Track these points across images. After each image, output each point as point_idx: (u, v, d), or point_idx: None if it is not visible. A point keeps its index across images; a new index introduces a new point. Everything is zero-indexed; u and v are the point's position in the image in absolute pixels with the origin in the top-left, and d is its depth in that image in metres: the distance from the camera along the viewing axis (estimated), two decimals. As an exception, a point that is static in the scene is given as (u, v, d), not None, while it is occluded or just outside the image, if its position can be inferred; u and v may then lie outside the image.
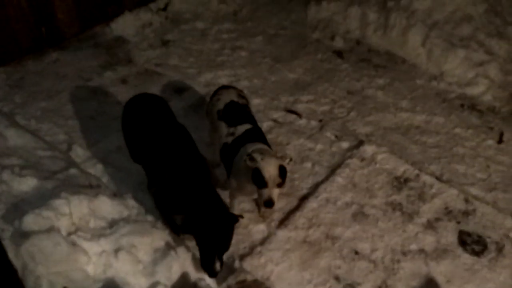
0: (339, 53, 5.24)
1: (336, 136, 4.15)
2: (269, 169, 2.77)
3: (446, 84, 4.83)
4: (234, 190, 3.24)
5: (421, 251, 3.27)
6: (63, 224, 2.64)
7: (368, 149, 3.98)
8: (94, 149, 3.87)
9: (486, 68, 4.82)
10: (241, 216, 2.80)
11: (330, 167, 3.87)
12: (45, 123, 4.08)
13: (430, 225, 3.44)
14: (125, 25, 5.33)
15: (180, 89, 4.58)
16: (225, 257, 2.76)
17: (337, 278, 3.09)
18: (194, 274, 2.82)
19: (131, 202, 3.07)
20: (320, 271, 3.12)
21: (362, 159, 3.91)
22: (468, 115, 4.48)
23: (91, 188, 3.08)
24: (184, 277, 2.78)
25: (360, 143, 4.06)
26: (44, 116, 4.17)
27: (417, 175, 3.79)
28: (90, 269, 2.57)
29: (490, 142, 4.19)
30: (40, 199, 2.78)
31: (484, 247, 3.32)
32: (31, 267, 2.40)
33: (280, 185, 2.81)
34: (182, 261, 2.80)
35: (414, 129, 4.30)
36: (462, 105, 4.60)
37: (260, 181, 2.77)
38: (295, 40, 5.42)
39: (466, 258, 3.24)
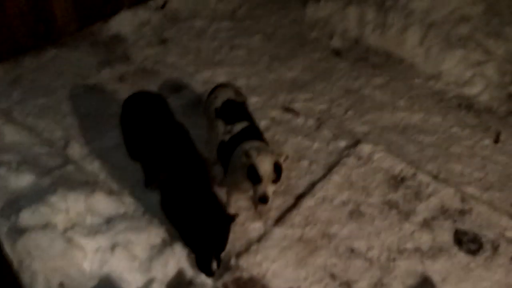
0: (337, 52, 5.25)
1: (333, 135, 4.16)
2: (264, 165, 2.77)
3: (443, 83, 4.83)
4: (230, 188, 3.24)
5: (417, 249, 3.28)
6: (60, 220, 2.65)
7: (365, 148, 3.99)
8: (91, 146, 3.87)
9: (484, 68, 4.83)
10: (237, 215, 2.81)
11: (327, 165, 3.87)
12: (43, 120, 4.07)
13: (426, 224, 3.44)
14: (123, 22, 5.32)
15: (177, 87, 4.58)
16: (221, 254, 2.77)
17: (333, 276, 3.10)
18: (190, 271, 2.83)
19: (128, 199, 3.09)
20: (316, 269, 3.13)
21: (359, 158, 3.92)
22: (465, 115, 4.49)
23: (87, 184, 3.09)
24: (180, 273, 2.79)
25: (357, 142, 4.07)
26: (42, 113, 4.17)
27: (414, 174, 3.80)
28: (86, 265, 2.59)
29: (487, 141, 4.20)
30: (37, 195, 2.79)
31: (480, 246, 3.32)
32: (27, 262, 2.41)
33: (275, 181, 2.81)
34: (178, 258, 2.81)
35: (411, 128, 4.31)
36: (459, 105, 4.61)
37: (254, 177, 2.78)
38: (293, 39, 5.42)
39: (462, 256, 3.25)
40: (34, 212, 2.60)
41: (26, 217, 2.58)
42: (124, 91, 4.39)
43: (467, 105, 4.61)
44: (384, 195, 3.63)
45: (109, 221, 2.81)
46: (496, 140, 4.22)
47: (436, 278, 3.12)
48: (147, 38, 5.26)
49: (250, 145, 2.97)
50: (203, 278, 2.80)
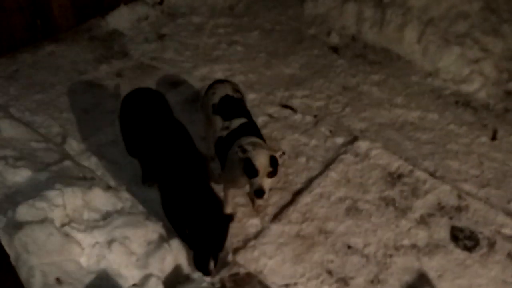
0: (335, 49, 5.25)
1: (330, 132, 4.16)
2: (260, 158, 2.78)
3: (441, 81, 4.84)
4: (227, 183, 3.25)
5: (414, 246, 3.29)
6: (57, 215, 2.64)
7: (362, 145, 3.99)
8: (89, 142, 3.87)
9: (481, 65, 4.84)
10: (235, 214, 2.80)
11: (324, 162, 3.88)
12: (40, 116, 4.07)
13: (422, 221, 3.45)
14: (120, 18, 5.31)
15: (175, 83, 4.58)
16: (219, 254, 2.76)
17: (329, 272, 3.11)
18: (187, 267, 2.84)
19: (125, 195, 3.08)
20: (313, 265, 3.14)
21: (356, 155, 3.92)
22: (462, 112, 4.50)
23: (85, 180, 3.08)
24: (177, 269, 2.79)
25: (355, 138, 4.08)
26: (39, 109, 4.16)
27: (411, 171, 3.81)
28: (83, 260, 2.58)
29: (484, 139, 4.21)
30: (34, 190, 2.78)
31: (476, 242, 3.34)
32: (24, 257, 2.41)
33: (271, 175, 2.81)
34: (176, 254, 2.81)
35: (408, 125, 4.32)
36: (456, 102, 4.62)
37: (251, 170, 2.78)
38: (291, 36, 5.42)
39: (458, 253, 3.26)
40: (31, 207, 2.59)
41: (23, 212, 2.57)
42: (121, 87, 4.39)
43: (465, 102, 4.62)
44: (381, 192, 3.64)
45: (106, 217, 2.81)
46: (493, 138, 4.23)
47: (432, 274, 3.13)
48: (145, 34, 5.25)
49: (246, 140, 2.97)
50: (200, 274, 2.80)
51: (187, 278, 2.80)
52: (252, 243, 3.23)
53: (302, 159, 3.88)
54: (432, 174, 3.81)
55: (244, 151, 2.84)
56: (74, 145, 3.75)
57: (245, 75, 4.74)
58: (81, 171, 3.22)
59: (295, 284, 3.03)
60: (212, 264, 2.62)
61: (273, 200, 3.53)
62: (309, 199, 3.54)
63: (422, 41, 5.05)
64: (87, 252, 2.61)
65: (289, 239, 3.28)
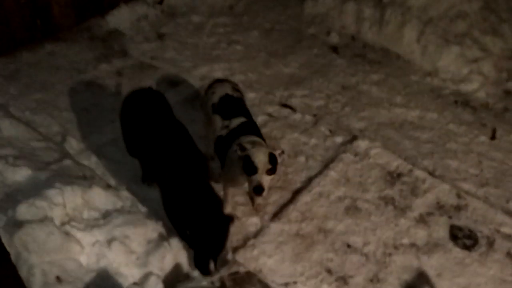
0: (334, 49, 5.26)
1: (330, 131, 4.17)
2: (259, 156, 2.79)
3: (440, 80, 4.85)
4: (227, 182, 3.25)
5: (413, 245, 3.30)
6: (57, 214, 2.65)
7: (362, 144, 4.00)
8: (88, 141, 3.87)
9: (480, 65, 4.85)
10: (236, 216, 2.80)
11: (324, 161, 3.88)
12: (40, 115, 4.07)
13: (422, 220, 3.46)
14: (120, 17, 5.31)
15: (175, 82, 4.58)
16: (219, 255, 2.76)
17: (329, 271, 3.11)
18: (187, 265, 2.84)
19: (125, 194, 3.09)
20: (313, 264, 3.14)
21: (356, 154, 3.93)
22: (461, 111, 4.51)
23: (85, 179, 3.08)
24: (177, 268, 2.80)
25: (354, 138, 4.09)
26: (39, 108, 4.16)
27: (410, 170, 3.82)
28: (83, 259, 2.59)
29: (483, 138, 4.22)
30: (34, 189, 2.79)
31: (475, 241, 3.35)
32: (24, 256, 2.42)
33: (270, 172, 2.82)
34: (175, 252, 2.81)
35: (407, 124, 4.33)
36: (455, 102, 4.63)
37: (250, 168, 2.79)
38: (290, 35, 5.43)
39: (457, 252, 3.27)
40: (31, 206, 2.60)
41: (23, 211, 2.58)
42: (121, 86, 4.40)
43: (464, 101, 4.63)
44: (380, 191, 3.65)
45: (106, 216, 2.81)
46: (492, 137, 4.24)
47: (431, 273, 3.14)
48: (145, 33, 5.26)
49: (245, 139, 2.98)
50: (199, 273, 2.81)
51: (187, 277, 2.81)
52: (251, 242, 3.23)
53: (302, 158, 3.89)
54: (431, 173, 3.82)
55: (243, 149, 2.85)
56: (74, 144, 3.75)
57: (244, 74, 4.75)
58: (81, 170, 3.22)
59: (295, 282, 3.04)
60: (212, 265, 2.61)
61: (272, 199, 3.54)
62: (309, 198, 3.55)
63: (421, 40, 5.06)
64: (87, 251, 2.61)
65: (288, 238, 3.29)
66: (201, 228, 2.62)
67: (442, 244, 3.31)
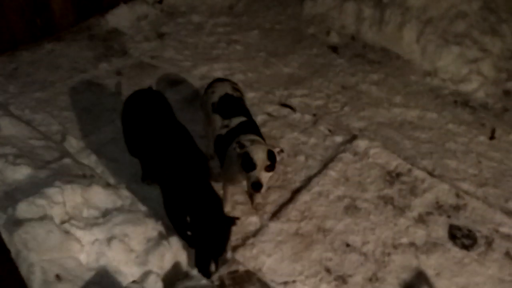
0: (334, 48, 5.26)
1: (329, 130, 4.18)
2: (258, 152, 2.80)
3: (439, 80, 4.86)
4: (226, 181, 3.26)
5: (412, 244, 3.30)
6: (56, 213, 2.65)
7: (361, 144, 4.01)
8: (88, 139, 3.88)
9: (480, 65, 4.86)
10: (238, 218, 2.79)
11: (323, 161, 3.89)
12: (39, 114, 4.08)
13: (421, 219, 3.47)
14: (120, 17, 5.32)
15: (175, 82, 4.59)
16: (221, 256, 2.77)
17: (328, 270, 3.12)
18: (186, 264, 2.85)
19: (125, 192, 3.08)
20: (312, 263, 3.15)
21: (355, 153, 3.94)
22: (461, 111, 4.52)
23: (84, 178, 3.08)
24: (176, 266, 2.80)
25: (354, 137, 4.09)
26: (39, 107, 4.17)
27: (409, 170, 3.82)
28: (83, 257, 2.59)
29: (482, 138, 4.23)
30: (34, 188, 2.79)
31: (474, 241, 3.35)
32: (24, 254, 2.42)
33: (269, 169, 2.83)
34: (175, 251, 2.81)
35: (407, 124, 4.33)
36: (455, 102, 4.64)
37: (248, 164, 2.80)
38: (290, 35, 5.44)
39: (456, 251, 3.28)
40: (31, 204, 2.60)
41: (23, 209, 2.57)
42: (121, 85, 4.40)
43: (463, 101, 4.64)
44: (380, 191, 3.66)
45: (106, 214, 2.81)
46: (492, 137, 4.25)
47: (430, 272, 3.14)
48: (145, 32, 5.26)
49: (245, 138, 2.98)
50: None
51: (186, 275, 2.80)
52: (251, 241, 3.24)
53: (301, 158, 3.90)
54: (430, 173, 3.82)
55: (242, 146, 2.86)
56: (73, 143, 3.76)
57: (244, 74, 4.76)
58: (80, 168, 3.22)
59: (294, 281, 3.04)
60: (213, 266, 2.61)
61: (272, 198, 3.55)
62: (308, 197, 3.56)
63: (421, 40, 5.07)
64: (87, 249, 2.61)
65: (288, 237, 3.29)
66: (202, 230, 2.62)
67: (441, 243, 3.32)
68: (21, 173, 2.96)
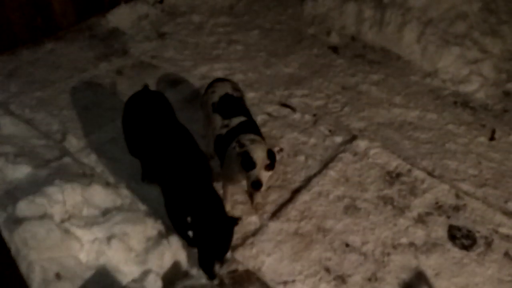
0: (334, 49, 5.27)
1: (329, 131, 4.18)
2: (257, 151, 2.81)
3: (440, 81, 4.86)
4: (226, 180, 3.26)
5: (411, 244, 3.31)
6: (56, 211, 2.66)
7: (361, 144, 4.01)
8: (88, 139, 3.88)
9: (480, 66, 4.86)
10: (240, 218, 2.79)
11: (323, 161, 3.89)
12: (40, 113, 4.08)
13: (420, 219, 3.47)
14: (121, 16, 5.33)
15: (175, 82, 4.59)
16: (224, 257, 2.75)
17: (327, 270, 3.12)
18: (186, 263, 2.85)
19: (124, 192, 3.10)
20: (311, 263, 3.15)
21: (355, 154, 3.94)
22: (461, 112, 4.52)
23: (84, 177, 3.10)
24: (176, 265, 2.81)
25: (353, 137, 4.09)
26: (39, 106, 4.17)
27: (409, 170, 3.82)
28: (83, 256, 2.60)
29: (482, 139, 4.23)
30: (34, 186, 2.80)
31: (473, 241, 3.35)
32: (23, 252, 2.42)
33: (269, 168, 2.83)
34: (174, 250, 2.82)
35: (407, 125, 4.33)
36: (455, 102, 4.64)
37: (248, 163, 2.80)
38: (290, 35, 5.44)
39: (456, 252, 3.28)
40: (31, 203, 2.61)
41: (23, 208, 2.59)
42: (121, 85, 4.41)
43: (463, 102, 4.64)
44: (379, 191, 3.66)
45: (106, 213, 2.82)
46: (491, 138, 4.25)
47: (429, 272, 3.14)
48: (145, 32, 5.27)
49: (244, 137, 2.99)
50: (201, 272, 2.79)
51: (186, 274, 2.81)
52: (250, 240, 3.24)
53: (301, 158, 3.90)
54: (430, 174, 3.83)
55: (242, 145, 2.87)
56: (74, 142, 3.76)
57: (244, 74, 4.76)
58: (80, 168, 3.23)
59: (293, 281, 3.04)
60: (217, 267, 2.58)
61: (272, 198, 3.55)
62: (308, 197, 3.56)
63: (421, 41, 5.07)
64: (87, 248, 2.62)
65: (287, 236, 3.29)
66: (206, 230, 2.59)
67: (440, 244, 3.32)
68: (21, 172, 2.97)
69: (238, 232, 3.29)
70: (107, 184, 3.10)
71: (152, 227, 2.87)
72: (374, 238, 3.33)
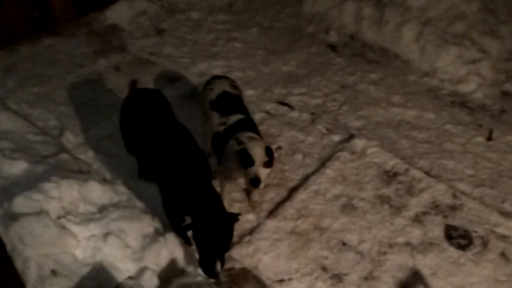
0: (333, 47, 5.26)
1: (327, 129, 4.18)
2: (256, 148, 2.82)
3: (438, 80, 4.86)
4: (223, 178, 3.26)
5: (408, 244, 3.31)
6: (53, 208, 2.65)
7: (359, 143, 4.01)
8: (86, 135, 3.88)
9: (478, 66, 4.86)
10: (239, 214, 2.77)
11: (321, 159, 3.89)
12: (37, 108, 4.07)
13: (417, 219, 3.47)
14: (120, 13, 5.32)
15: (173, 79, 4.58)
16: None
17: (324, 268, 3.12)
18: (182, 260, 2.85)
19: (121, 188, 3.09)
20: (308, 261, 3.15)
21: (353, 152, 3.94)
22: (458, 112, 4.52)
23: (81, 173, 3.08)
24: (172, 263, 2.80)
25: (351, 136, 4.09)
26: (36, 101, 4.16)
27: (406, 170, 3.82)
28: (79, 252, 2.59)
29: (480, 139, 4.23)
30: (30, 182, 2.79)
31: (470, 241, 3.36)
32: (19, 248, 2.41)
33: (267, 165, 2.83)
34: (171, 247, 2.81)
35: (405, 124, 4.33)
36: (453, 102, 4.64)
37: (247, 160, 2.81)
38: (289, 33, 5.43)
39: (452, 251, 3.28)
40: (27, 199, 2.60)
41: (19, 204, 2.57)
42: (119, 81, 4.39)
43: (461, 102, 4.64)
44: (377, 190, 3.66)
45: (102, 210, 2.81)
46: (489, 138, 4.25)
47: (426, 272, 3.15)
48: (144, 29, 5.26)
49: (242, 135, 2.98)
50: (201, 271, 2.77)
51: (182, 272, 2.81)
52: (247, 238, 3.24)
53: (299, 156, 3.90)
54: (427, 173, 3.83)
55: (240, 143, 2.87)
56: (71, 138, 3.76)
57: (243, 71, 4.76)
58: (77, 164, 3.22)
59: (290, 279, 3.05)
60: (218, 266, 2.53)
61: (269, 196, 3.55)
62: (305, 195, 3.56)
63: (420, 40, 5.06)
64: (83, 245, 2.61)
65: (284, 235, 3.29)
66: (206, 228, 2.56)
67: (437, 243, 3.33)
68: (18, 167, 2.96)
69: (235, 230, 3.27)
70: (104, 181, 3.08)
71: (149, 224, 2.86)
72: (371, 237, 3.33)
